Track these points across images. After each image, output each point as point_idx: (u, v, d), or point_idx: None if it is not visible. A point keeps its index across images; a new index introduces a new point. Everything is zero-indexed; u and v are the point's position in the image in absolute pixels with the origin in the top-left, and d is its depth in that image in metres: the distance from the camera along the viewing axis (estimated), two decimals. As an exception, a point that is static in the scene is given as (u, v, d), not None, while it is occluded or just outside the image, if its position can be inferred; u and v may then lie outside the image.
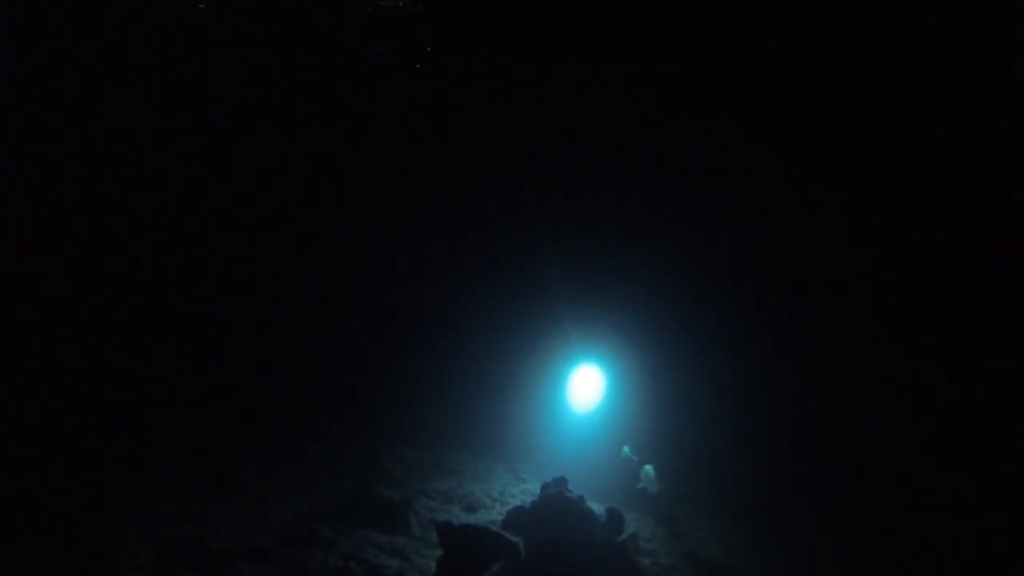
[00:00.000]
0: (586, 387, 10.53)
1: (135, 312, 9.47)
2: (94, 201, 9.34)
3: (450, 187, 10.01)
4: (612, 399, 10.35)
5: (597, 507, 7.67)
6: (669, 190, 9.79)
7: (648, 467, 9.08)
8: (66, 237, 9.28)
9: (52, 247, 9.20)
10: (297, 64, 8.95)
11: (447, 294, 10.18)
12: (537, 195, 9.96)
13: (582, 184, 10.02)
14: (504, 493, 8.66)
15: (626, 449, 9.48)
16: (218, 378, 8.81)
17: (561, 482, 6.99)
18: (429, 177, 9.98)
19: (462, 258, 10.29)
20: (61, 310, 9.03)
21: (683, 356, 9.94)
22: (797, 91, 8.89)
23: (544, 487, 7.01)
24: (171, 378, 8.68)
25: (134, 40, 8.46)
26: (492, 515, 7.81)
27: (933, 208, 8.87)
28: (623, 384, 10.28)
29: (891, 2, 7.63)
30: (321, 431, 8.66)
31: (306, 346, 9.59)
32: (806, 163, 9.49)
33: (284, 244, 10.09)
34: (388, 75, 9.08)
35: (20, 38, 8.20)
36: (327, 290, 10.08)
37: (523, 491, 8.89)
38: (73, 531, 6.03)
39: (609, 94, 9.02)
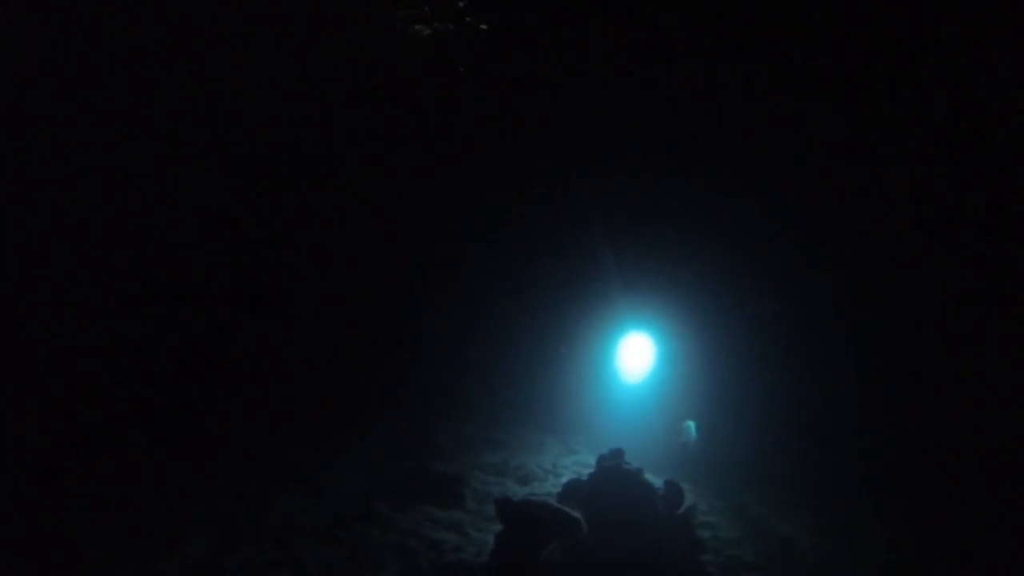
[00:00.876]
0: (636, 356, 10.28)
1: (185, 294, 9.54)
2: (152, 199, 9.40)
3: (494, 157, 9.81)
4: (663, 369, 10.10)
5: (653, 479, 7.50)
6: (734, 154, 9.43)
7: (690, 422, 8.90)
8: (124, 234, 9.36)
9: (110, 244, 9.29)
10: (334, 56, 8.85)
11: (495, 267, 10.02)
12: (584, 156, 9.70)
13: (634, 144, 9.72)
14: (556, 465, 8.53)
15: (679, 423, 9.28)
16: (269, 360, 8.84)
17: (618, 454, 6.81)
18: (472, 150, 9.80)
19: (510, 230, 10.10)
20: (124, 304, 9.15)
21: (741, 326, 9.61)
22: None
23: (600, 459, 6.84)
24: (223, 362, 8.73)
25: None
26: (547, 487, 7.70)
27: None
28: (675, 353, 10.01)
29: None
30: (373, 409, 8.64)
31: (355, 324, 9.56)
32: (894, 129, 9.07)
33: (333, 221, 10.03)
34: (430, 50, 8.93)
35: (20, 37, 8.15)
36: (376, 268, 10.01)
37: (575, 462, 8.75)
38: (138, 508, 6.15)
39: (665, 57, 8.69)
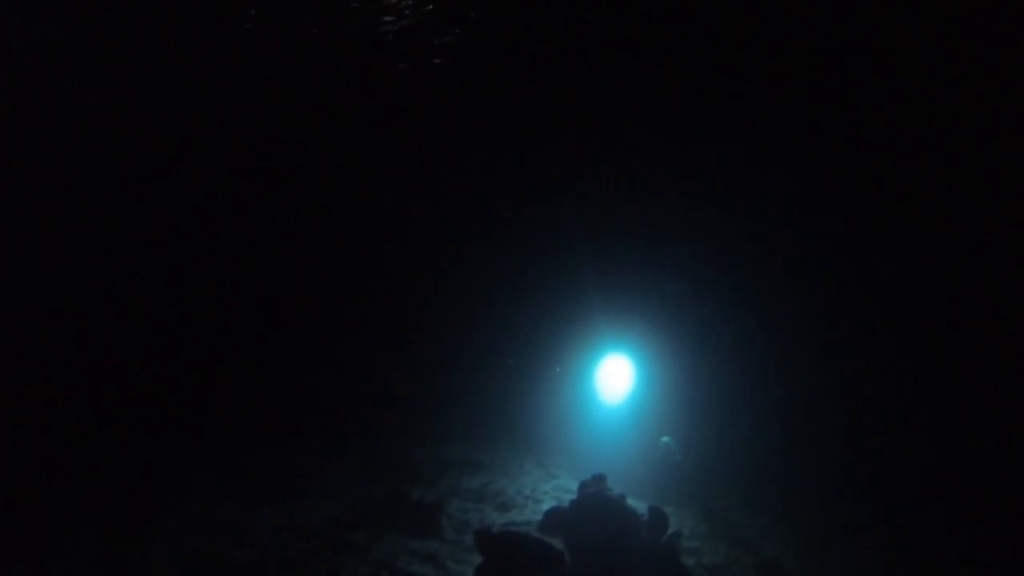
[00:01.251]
0: (616, 378, 10.11)
1: (162, 311, 9.19)
2: (117, 197, 9.08)
3: (472, 172, 9.61)
4: (644, 389, 9.92)
5: (637, 504, 7.30)
6: (715, 174, 9.30)
7: (666, 438, 8.73)
8: (95, 233, 9.02)
9: (81, 242, 8.94)
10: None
11: (473, 285, 9.79)
12: (565, 176, 9.53)
13: (615, 165, 9.57)
14: (536, 490, 8.27)
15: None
16: (247, 378, 8.50)
17: (600, 480, 6.61)
18: (450, 165, 9.59)
19: (489, 247, 9.88)
20: (88, 308, 8.79)
21: (721, 347, 9.47)
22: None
23: (582, 485, 6.63)
24: (198, 379, 8.38)
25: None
26: (526, 514, 7.44)
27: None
28: (655, 373, 9.84)
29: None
30: (351, 427, 8.33)
31: (334, 343, 9.25)
32: (865, 143, 8.99)
33: (309, 240, 9.76)
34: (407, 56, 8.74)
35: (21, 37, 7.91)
36: (354, 286, 9.73)
37: (555, 487, 8.50)
38: (95, 545, 5.77)
39: (642, 73, 8.58)
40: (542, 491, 8.32)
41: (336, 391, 8.62)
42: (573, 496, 8.34)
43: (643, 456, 9.08)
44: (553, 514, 6.30)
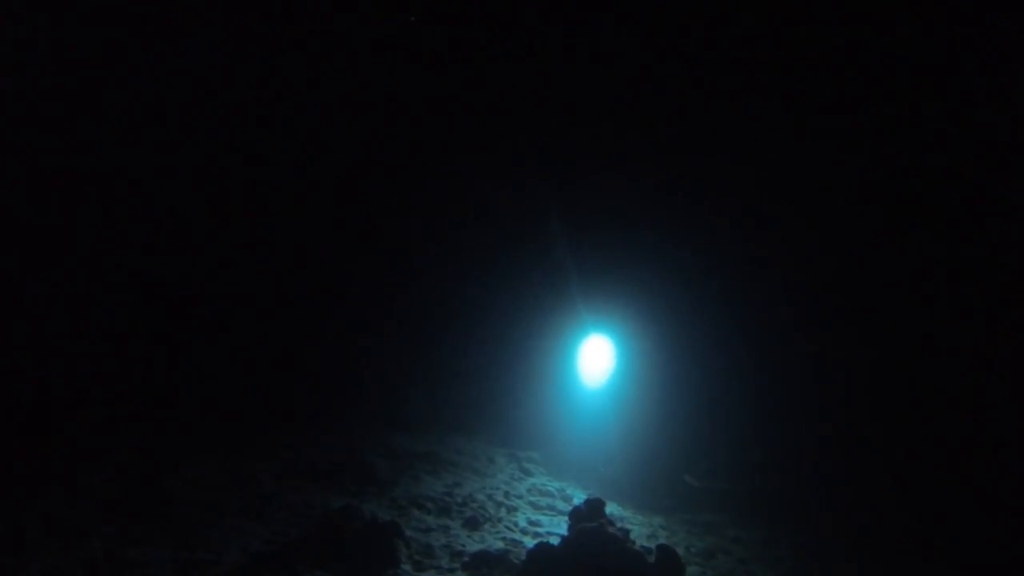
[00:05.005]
0: (596, 359, 8.39)
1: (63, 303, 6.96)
2: (75, 195, 7.01)
3: (451, 158, 7.72)
4: (624, 374, 8.25)
5: (628, 519, 5.63)
6: (694, 157, 7.80)
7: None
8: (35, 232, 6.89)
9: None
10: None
11: (435, 257, 7.85)
12: (540, 150, 7.78)
13: (594, 141, 7.93)
14: (509, 494, 6.51)
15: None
16: (158, 363, 6.30)
17: (596, 507, 4.83)
18: (427, 152, 7.68)
19: (457, 220, 7.97)
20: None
21: (704, 333, 7.90)
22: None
23: (575, 514, 4.86)
24: (96, 367, 6.15)
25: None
26: (500, 531, 5.67)
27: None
28: (638, 358, 8.17)
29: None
30: (292, 423, 6.28)
31: (269, 321, 7.11)
32: (839, 131, 7.67)
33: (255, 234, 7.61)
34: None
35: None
36: (292, 261, 7.59)
37: (531, 489, 6.78)
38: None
39: (621, 60, 7.01)
40: (516, 495, 6.57)
41: (270, 374, 6.51)
42: (551, 500, 6.69)
43: (625, 453, 7.50)
44: (540, 555, 4.50)
